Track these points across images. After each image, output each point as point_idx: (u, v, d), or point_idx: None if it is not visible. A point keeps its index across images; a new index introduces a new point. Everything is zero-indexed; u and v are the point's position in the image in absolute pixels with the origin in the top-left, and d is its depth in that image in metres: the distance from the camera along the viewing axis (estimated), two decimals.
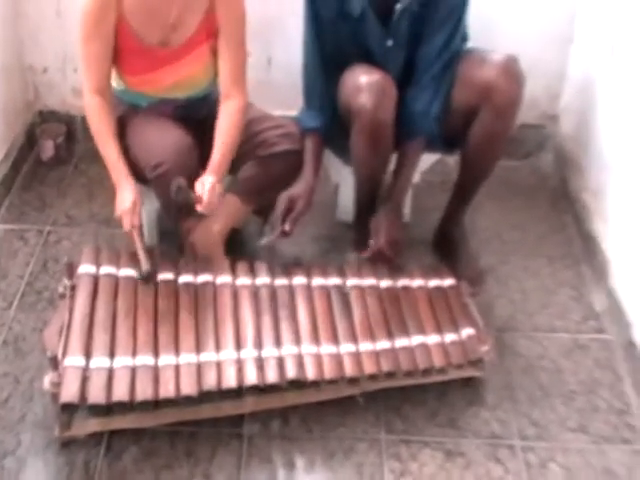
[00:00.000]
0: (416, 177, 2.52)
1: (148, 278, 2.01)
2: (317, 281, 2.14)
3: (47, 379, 1.80)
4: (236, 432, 1.93)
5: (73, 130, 2.89)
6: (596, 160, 2.57)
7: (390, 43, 2.17)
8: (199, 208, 2.03)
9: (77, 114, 2.87)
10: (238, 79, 2.13)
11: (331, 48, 2.20)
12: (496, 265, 2.49)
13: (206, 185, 2.02)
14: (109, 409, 1.84)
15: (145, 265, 2.01)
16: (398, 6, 2.09)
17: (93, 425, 1.87)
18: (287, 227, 2.21)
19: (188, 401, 1.85)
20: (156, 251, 2.15)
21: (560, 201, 2.79)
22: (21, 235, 2.50)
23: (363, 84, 2.05)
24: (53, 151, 2.81)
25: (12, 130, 2.73)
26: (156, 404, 1.85)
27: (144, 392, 1.80)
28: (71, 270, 2.03)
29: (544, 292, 2.41)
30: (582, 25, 2.74)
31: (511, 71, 2.10)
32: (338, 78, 2.19)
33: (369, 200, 2.31)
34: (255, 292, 2.09)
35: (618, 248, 2.34)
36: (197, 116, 2.23)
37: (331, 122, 2.28)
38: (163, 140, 2.05)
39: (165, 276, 2.07)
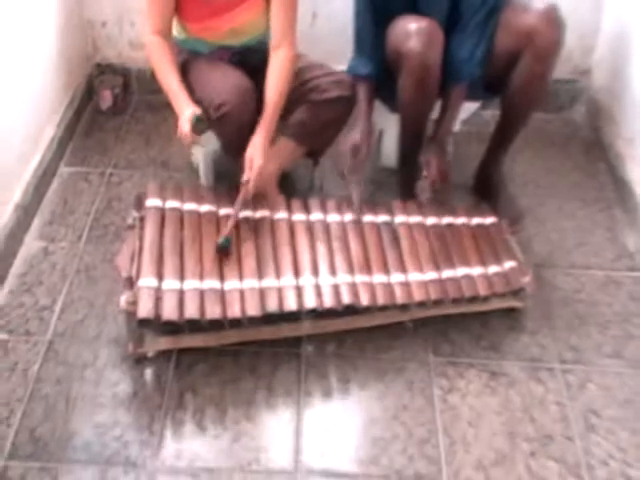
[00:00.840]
0: (456, 126, 2.64)
1: (226, 248, 2.10)
2: (367, 218, 2.28)
3: (123, 298, 1.95)
4: (294, 352, 2.08)
5: (129, 81, 3.03)
6: (630, 109, 2.68)
7: None
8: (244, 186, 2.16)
9: (133, 66, 3.02)
10: (288, 30, 2.25)
11: None
12: (533, 207, 2.61)
13: (254, 166, 2.15)
14: (177, 329, 1.99)
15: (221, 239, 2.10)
16: None
17: (163, 343, 2.04)
18: (355, 176, 2.33)
19: (250, 323, 1.99)
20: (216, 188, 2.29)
21: (593, 150, 2.90)
22: (85, 177, 2.65)
23: (412, 29, 2.17)
24: (111, 101, 2.95)
25: (73, 81, 2.87)
26: (221, 325, 2.00)
27: (213, 311, 1.94)
28: (139, 203, 2.18)
29: (580, 232, 2.54)
30: None
31: (552, 17, 2.21)
32: (387, 27, 2.30)
33: (414, 143, 2.43)
34: (310, 227, 2.23)
35: None
36: (251, 63, 2.34)
37: (380, 71, 2.40)
38: (225, 82, 2.18)
39: (225, 211, 2.21)
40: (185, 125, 2.12)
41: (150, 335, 2.02)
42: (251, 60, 2.34)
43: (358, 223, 2.24)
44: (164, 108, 2.69)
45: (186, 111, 2.15)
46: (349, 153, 2.32)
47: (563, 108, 3.12)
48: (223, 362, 2.04)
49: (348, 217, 2.27)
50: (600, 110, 2.95)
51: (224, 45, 2.31)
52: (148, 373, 2.01)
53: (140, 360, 2.02)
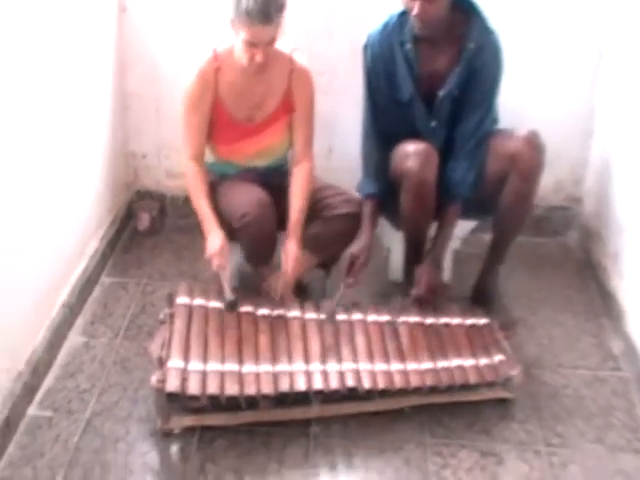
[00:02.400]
0: (457, 243, 2.97)
1: (233, 306, 2.46)
2: (372, 317, 2.56)
3: (154, 378, 2.23)
4: (304, 431, 2.32)
5: (165, 206, 3.41)
6: (614, 229, 2.97)
7: (434, 124, 2.65)
8: (284, 277, 2.55)
9: (168, 194, 3.41)
10: (308, 147, 2.67)
11: (385, 127, 2.69)
12: (526, 316, 2.87)
13: (289, 259, 2.53)
14: (200, 409, 2.25)
15: (229, 296, 2.46)
16: (441, 92, 2.59)
17: (188, 421, 2.29)
18: (350, 280, 2.64)
19: (264, 404, 2.25)
20: (238, 289, 2.60)
21: (585, 269, 3.18)
22: (123, 286, 2.98)
23: (411, 151, 2.53)
24: (148, 223, 3.32)
25: (116, 204, 3.25)
26: (238, 405, 2.26)
27: (231, 389, 2.21)
28: (171, 301, 2.49)
29: (568, 339, 2.78)
30: (600, 120, 3.19)
31: (533, 142, 2.55)
32: (391, 152, 2.66)
33: (415, 254, 2.74)
34: (320, 324, 2.51)
35: (633, 300, 2.72)
36: (273, 183, 2.70)
37: (385, 191, 2.74)
38: (248, 196, 2.54)
39: (246, 309, 2.51)
40: (214, 246, 2.49)
41: (176, 413, 2.28)
42: (272, 180, 2.70)
43: (332, 320, 2.52)
44: (194, 230, 3.05)
45: (213, 241, 2.51)
46: (347, 261, 2.63)
47: (557, 233, 3.43)
48: (240, 438, 2.28)
49: (356, 316, 2.55)
50: (590, 233, 3.25)
51: (249, 167, 2.68)
52: (174, 446, 2.25)
53: (167, 435, 2.27)
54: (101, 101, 3.01)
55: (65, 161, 2.65)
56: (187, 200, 3.24)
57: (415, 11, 2.42)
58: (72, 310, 2.70)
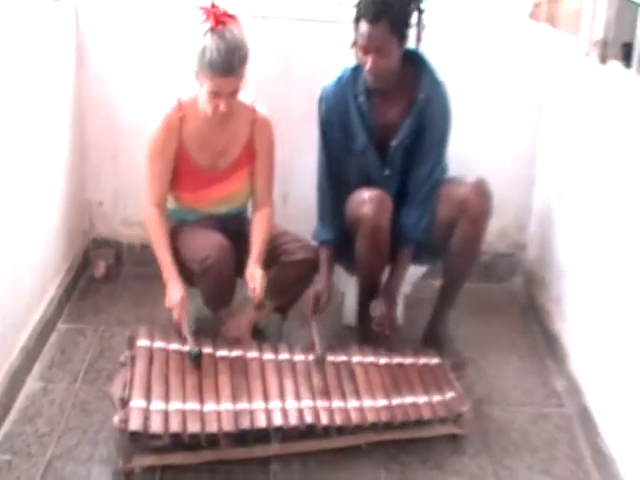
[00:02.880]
0: (407, 288, 3.08)
1: (197, 358, 2.50)
2: (329, 358, 2.64)
3: (116, 418, 2.26)
4: (264, 470, 2.37)
5: (121, 254, 3.47)
6: (556, 273, 3.12)
7: (387, 172, 2.78)
8: (253, 297, 2.60)
9: (124, 241, 3.47)
10: (268, 194, 2.78)
11: (340, 176, 2.81)
12: (475, 359, 2.98)
13: (256, 279, 2.59)
14: (162, 448, 2.29)
15: (193, 347, 2.51)
16: (393, 142, 2.73)
17: (149, 460, 2.32)
18: (315, 318, 2.74)
19: (226, 442, 2.31)
20: (198, 333, 2.66)
21: (529, 313, 3.33)
22: (80, 332, 3.01)
23: (366, 198, 2.65)
24: (104, 270, 3.38)
25: (72, 252, 3.29)
26: (199, 444, 2.31)
27: (193, 427, 2.27)
28: (131, 343, 2.54)
29: (515, 378, 2.90)
30: (541, 168, 3.37)
31: (480, 188, 2.70)
32: (345, 200, 2.78)
33: (369, 297, 2.83)
34: (278, 364, 2.59)
35: (575, 341, 2.85)
36: (232, 229, 2.78)
37: (340, 237, 2.85)
38: (208, 240, 2.62)
39: (205, 350, 2.57)
40: (174, 297, 2.57)
41: (138, 453, 2.31)
42: (230, 226, 2.78)
43: (321, 362, 2.59)
44: (151, 278, 3.12)
45: (173, 291, 2.59)
46: (311, 300, 2.72)
47: (503, 279, 3.57)
48: (201, 477, 2.32)
49: (311, 357, 2.63)
50: (534, 278, 3.40)
51: (210, 213, 2.77)
52: None
53: (129, 475, 2.29)
54: (59, 150, 3.07)
55: (22, 208, 2.68)
56: (143, 248, 3.36)
57: (368, 66, 2.56)
58: (30, 355, 2.72)
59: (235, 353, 2.60)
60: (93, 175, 3.39)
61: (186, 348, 2.53)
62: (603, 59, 2.71)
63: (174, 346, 2.56)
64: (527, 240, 3.53)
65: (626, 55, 2.62)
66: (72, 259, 3.29)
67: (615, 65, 2.65)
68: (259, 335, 2.85)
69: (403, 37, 2.58)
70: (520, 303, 3.42)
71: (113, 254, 3.44)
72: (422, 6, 2.64)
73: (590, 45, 2.81)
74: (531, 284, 3.42)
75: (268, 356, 2.61)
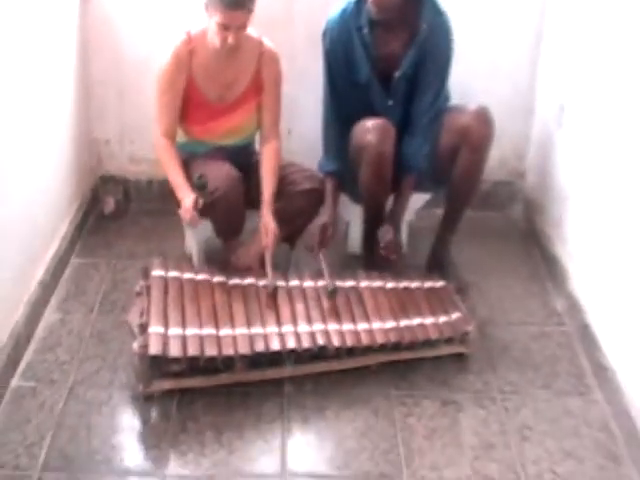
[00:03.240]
0: (411, 215, 3.16)
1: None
2: (337, 283, 2.72)
3: (136, 344, 2.36)
4: (278, 391, 2.47)
5: (128, 190, 3.53)
6: (556, 198, 3.19)
7: (390, 103, 2.83)
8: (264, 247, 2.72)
9: (132, 178, 3.53)
10: (275, 126, 2.84)
11: (344, 108, 2.85)
12: (477, 281, 3.07)
13: (269, 232, 2.71)
14: (179, 373, 2.39)
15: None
16: (396, 73, 2.77)
17: (168, 384, 2.42)
18: (322, 248, 2.82)
19: (242, 365, 2.41)
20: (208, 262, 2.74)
21: (529, 238, 3.40)
22: (93, 266, 3.09)
23: (370, 126, 2.71)
24: (113, 206, 3.45)
25: (80, 190, 3.35)
26: (216, 368, 2.41)
27: (211, 351, 2.36)
28: (146, 274, 2.62)
29: (516, 300, 3.00)
30: (540, 98, 3.42)
31: (482, 116, 2.75)
32: (350, 131, 2.83)
33: (374, 224, 2.90)
34: (289, 291, 2.67)
35: (574, 261, 2.94)
36: (241, 161, 2.85)
37: (344, 168, 2.91)
38: (218, 171, 2.68)
39: (218, 279, 2.66)
40: (187, 203, 2.60)
41: (156, 378, 2.41)
42: (239, 158, 2.85)
43: (334, 294, 2.66)
44: (159, 214, 3.20)
45: (186, 199, 2.63)
46: (318, 230, 2.80)
47: (503, 206, 3.64)
48: (218, 399, 2.42)
49: (320, 283, 2.71)
50: (533, 204, 3.47)
51: (219, 145, 2.83)
52: (155, 408, 2.39)
53: (148, 399, 2.40)
54: (65, 89, 3.10)
55: (32, 149, 2.73)
56: (150, 184, 3.42)
57: None
58: (47, 288, 2.81)
59: (247, 281, 2.68)
60: (99, 113, 3.43)
61: (199, 277, 2.62)
62: None
63: (188, 275, 2.64)
64: (526, 168, 3.58)
65: None
66: (82, 197, 3.35)
67: None
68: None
69: None
70: (520, 229, 3.50)
71: (121, 191, 3.50)
72: None
73: None
74: (530, 210, 3.49)
75: (279, 283, 2.69)
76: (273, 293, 2.61)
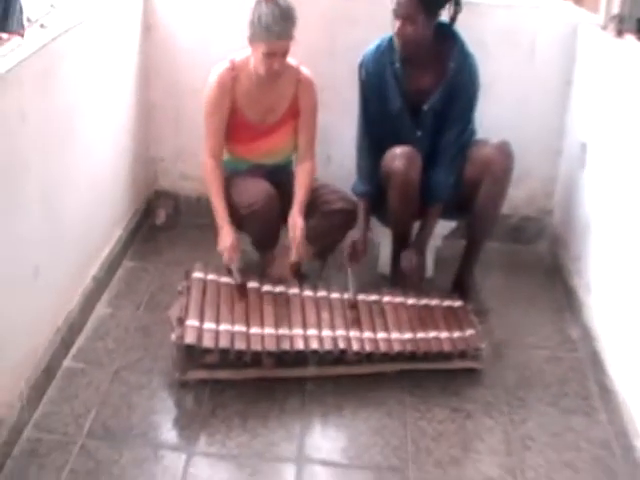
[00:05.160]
0: (438, 241, 3.37)
1: (242, 287, 2.85)
2: (361, 297, 2.95)
3: (173, 335, 2.61)
4: (301, 388, 2.70)
5: (179, 205, 3.81)
6: (577, 236, 3.36)
7: (419, 133, 3.07)
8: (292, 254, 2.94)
9: (182, 194, 3.81)
10: (310, 148, 3.09)
11: (376, 135, 3.10)
12: (497, 308, 3.24)
13: (297, 228, 2.92)
14: (212, 365, 2.63)
15: (238, 279, 2.85)
16: (425, 107, 3.01)
17: (201, 374, 2.67)
18: (353, 263, 3.05)
19: (268, 361, 2.64)
20: (247, 272, 2.99)
21: (552, 272, 3.56)
22: (143, 269, 3.37)
23: (398, 153, 2.94)
24: (165, 218, 3.73)
25: (137, 201, 3.64)
26: (244, 364, 2.64)
27: (240, 345, 2.60)
28: (187, 276, 2.88)
29: (533, 326, 3.17)
30: (568, 140, 3.62)
31: (504, 149, 2.97)
32: (381, 157, 3.06)
33: (401, 246, 3.13)
34: (316, 300, 2.91)
35: (591, 294, 3.11)
36: (278, 180, 3.08)
37: (376, 191, 3.14)
38: (256, 187, 2.95)
39: (252, 285, 2.90)
40: (226, 241, 2.92)
41: (191, 367, 2.65)
42: (277, 177, 3.09)
43: (354, 306, 2.89)
44: (206, 228, 3.43)
45: (225, 238, 2.92)
46: (349, 247, 3.03)
47: (531, 241, 3.82)
48: (246, 390, 2.66)
49: (346, 296, 2.94)
50: (559, 240, 3.65)
51: (259, 164, 3.09)
52: (189, 394, 2.64)
53: (183, 385, 2.65)
54: (127, 111, 3.41)
55: (97, 161, 3.04)
56: (199, 200, 3.70)
57: (395, 28, 2.86)
58: (100, 284, 3.09)
59: (279, 289, 2.92)
60: (157, 134, 3.73)
61: (234, 281, 2.88)
62: (619, 32, 2.95)
63: (225, 279, 2.90)
64: (554, 205, 3.77)
65: None
66: (137, 207, 3.65)
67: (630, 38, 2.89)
68: (301, 279, 3.16)
69: (433, 12, 2.87)
70: (545, 263, 3.67)
71: (172, 205, 3.79)
72: None
73: (607, 19, 3.05)
74: (556, 245, 3.67)
75: (308, 293, 2.93)
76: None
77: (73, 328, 2.80)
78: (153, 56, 3.60)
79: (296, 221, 2.93)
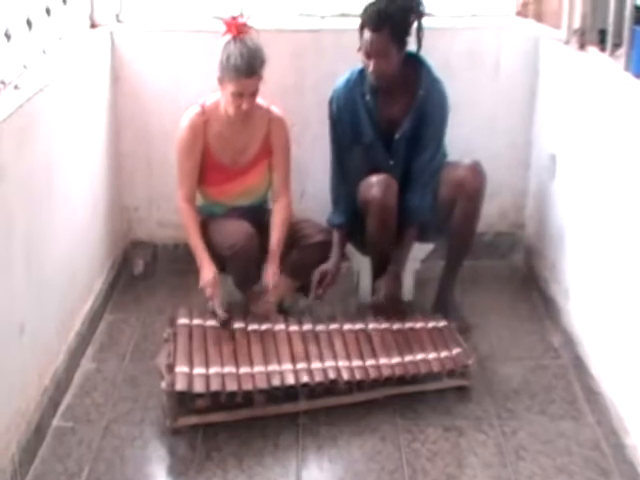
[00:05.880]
0: (417, 264, 3.41)
1: (225, 323, 2.87)
2: (347, 326, 2.98)
3: (163, 383, 2.62)
4: (294, 422, 2.70)
5: (156, 253, 3.83)
6: (550, 245, 3.42)
7: (392, 162, 3.12)
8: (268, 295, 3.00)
9: (159, 242, 3.83)
10: (286, 185, 3.13)
11: (350, 166, 3.15)
12: (479, 322, 3.29)
13: (271, 280, 2.98)
14: (203, 409, 2.64)
15: (222, 315, 2.88)
16: (397, 135, 3.08)
17: (193, 420, 2.67)
18: (319, 292, 3.10)
19: (260, 400, 2.66)
20: (230, 311, 3.01)
21: (529, 282, 3.63)
22: (125, 320, 3.37)
23: (374, 182, 3.00)
24: (142, 268, 3.74)
25: (113, 252, 3.65)
26: (236, 405, 2.66)
27: (231, 386, 2.62)
28: (172, 322, 2.90)
29: (515, 337, 3.22)
30: (536, 153, 3.69)
31: (475, 169, 3.04)
32: (355, 187, 3.12)
33: (380, 273, 3.17)
34: (303, 334, 2.93)
35: (569, 300, 3.16)
36: (255, 220, 3.10)
37: (351, 221, 3.19)
38: (235, 228, 2.98)
39: (238, 325, 2.93)
40: (207, 277, 2.95)
41: (183, 414, 2.66)
42: (254, 217, 3.11)
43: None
44: (185, 273, 3.46)
45: (206, 273, 2.96)
46: (317, 276, 3.09)
47: (504, 256, 3.89)
48: (239, 431, 2.66)
49: (333, 326, 2.97)
50: (533, 251, 3.71)
51: (235, 206, 3.12)
52: (182, 441, 2.62)
53: (175, 433, 2.64)
54: (97, 160, 3.42)
55: (69, 214, 3.02)
56: (176, 247, 3.72)
57: (371, 68, 2.92)
58: (84, 339, 3.09)
59: (265, 327, 2.94)
60: (129, 182, 3.74)
61: (219, 319, 2.91)
62: (582, 45, 3.03)
63: (210, 323, 2.92)
64: (525, 219, 3.83)
65: (602, 40, 2.92)
66: (114, 258, 3.66)
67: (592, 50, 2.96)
68: (284, 312, 3.18)
69: (403, 43, 2.95)
70: (521, 275, 3.74)
71: (150, 253, 3.80)
72: (423, 10, 2.99)
73: (569, 34, 3.13)
74: (530, 257, 3.73)
75: (293, 327, 2.95)
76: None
77: (60, 386, 2.79)
78: (122, 106, 3.63)
79: (270, 274, 3.00)
